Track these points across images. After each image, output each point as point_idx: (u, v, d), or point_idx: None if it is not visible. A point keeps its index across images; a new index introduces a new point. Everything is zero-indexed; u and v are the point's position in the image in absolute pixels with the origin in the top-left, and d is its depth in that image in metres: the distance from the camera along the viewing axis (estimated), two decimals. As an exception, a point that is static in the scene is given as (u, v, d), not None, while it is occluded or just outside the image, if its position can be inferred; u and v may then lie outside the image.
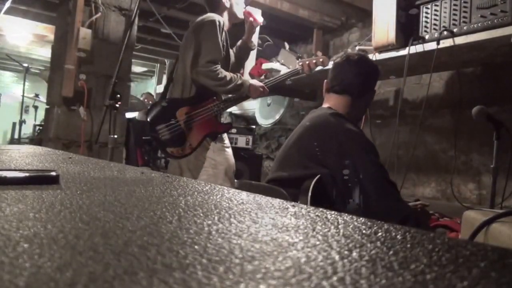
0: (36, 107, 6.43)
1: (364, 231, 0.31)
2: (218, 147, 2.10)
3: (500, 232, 0.78)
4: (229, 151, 2.17)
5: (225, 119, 4.69)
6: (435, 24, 2.22)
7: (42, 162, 0.79)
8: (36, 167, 0.69)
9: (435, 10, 2.21)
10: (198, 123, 2.05)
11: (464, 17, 2.08)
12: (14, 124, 6.70)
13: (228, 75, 2.02)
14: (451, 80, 2.92)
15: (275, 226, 0.32)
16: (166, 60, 6.39)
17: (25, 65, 5.49)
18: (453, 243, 0.28)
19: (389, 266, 0.23)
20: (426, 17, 2.25)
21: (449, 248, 0.26)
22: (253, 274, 0.21)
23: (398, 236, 0.29)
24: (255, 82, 2.16)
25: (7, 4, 3.73)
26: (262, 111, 4.38)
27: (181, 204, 0.41)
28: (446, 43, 2.15)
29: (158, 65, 7.03)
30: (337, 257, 0.24)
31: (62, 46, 2.91)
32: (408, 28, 2.33)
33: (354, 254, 0.25)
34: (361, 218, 0.36)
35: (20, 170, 0.61)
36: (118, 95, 2.16)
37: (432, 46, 2.20)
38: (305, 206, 0.42)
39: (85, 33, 2.80)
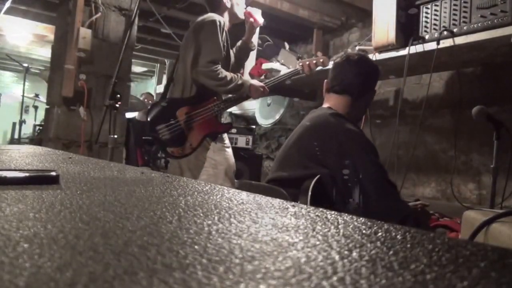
0: (36, 107, 6.43)
1: (364, 231, 0.31)
2: (218, 147, 2.10)
3: (500, 232, 0.78)
4: (229, 151, 2.17)
5: (225, 119, 4.69)
6: (435, 24, 2.22)
7: (42, 162, 0.79)
8: (36, 167, 0.69)
9: (435, 10, 2.21)
10: (198, 123, 2.05)
11: (464, 17, 2.08)
12: (14, 124, 6.70)
13: (229, 75, 2.03)
14: (451, 80, 2.92)
15: (275, 226, 0.32)
16: (166, 60, 6.39)
17: (25, 65, 5.49)
18: (453, 243, 0.28)
19: (389, 266, 0.23)
20: (426, 17, 2.26)
21: (449, 248, 0.26)
22: (253, 274, 0.21)
23: (398, 236, 0.29)
24: (255, 82, 2.16)
25: (7, 4, 3.73)
26: (262, 111, 4.38)
27: (181, 204, 0.41)
28: (446, 43, 2.15)
29: (158, 65, 7.03)
30: (337, 257, 0.24)
31: (62, 46, 2.91)
32: (408, 28, 2.33)
33: (354, 254, 0.25)
34: (361, 218, 0.36)
35: (20, 170, 0.61)
36: (118, 95, 2.16)
37: (432, 46, 2.20)
38: (305, 206, 0.42)
39: (85, 33, 2.80)
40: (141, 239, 0.27)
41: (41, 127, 4.83)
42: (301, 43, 4.45)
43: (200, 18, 2.09)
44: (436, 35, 2.19)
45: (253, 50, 2.42)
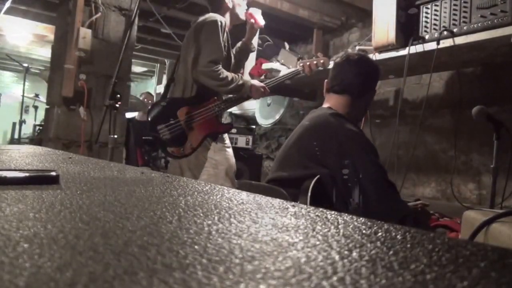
0: (36, 107, 6.43)
1: (364, 231, 0.31)
2: (219, 147, 2.10)
3: (500, 232, 0.78)
4: (230, 151, 2.17)
5: (225, 119, 4.69)
6: (435, 24, 2.22)
7: (42, 162, 0.79)
8: (36, 167, 0.69)
9: (435, 10, 2.21)
10: (199, 123, 2.05)
11: (464, 17, 2.08)
12: (14, 124, 6.70)
13: (230, 75, 2.03)
14: (451, 80, 2.92)
15: (275, 226, 0.32)
16: (166, 60, 6.39)
17: (25, 65, 5.49)
18: (453, 243, 0.28)
19: (389, 266, 0.23)
20: (426, 17, 2.25)
21: (449, 248, 0.26)
22: (253, 274, 0.21)
23: (398, 236, 0.29)
24: (256, 82, 2.16)
25: (7, 4, 3.73)
26: (262, 111, 4.38)
27: (181, 204, 0.41)
28: (446, 43, 2.15)
29: (158, 65, 7.04)
30: (337, 257, 0.24)
31: (62, 46, 2.91)
32: (408, 28, 2.33)
33: (354, 254, 0.25)
34: (361, 218, 0.36)
35: (20, 170, 0.61)
36: (118, 95, 2.16)
37: (432, 46, 2.20)
38: (305, 206, 0.42)
39: (85, 33, 2.80)
40: (141, 239, 0.27)
41: (41, 127, 4.83)
42: (301, 43, 4.45)
43: (201, 18, 2.09)
44: (436, 35, 2.19)
45: (253, 51, 2.43)
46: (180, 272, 0.20)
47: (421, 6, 2.28)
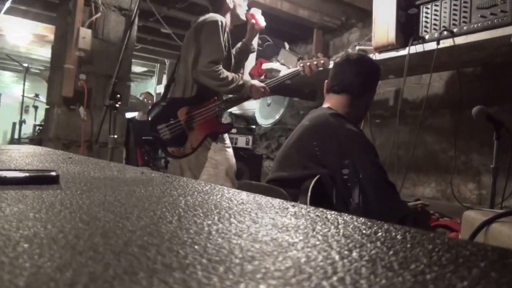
0: (36, 107, 6.43)
1: (364, 231, 0.31)
2: (219, 147, 2.10)
3: (500, 232, 0.78)
4: (230, 151, 2.17)
5: (225, 119, 4.69)
6: (435, 24, 2.21)
7: (42, 162, 0.79)
8: (36, 167, 0.69)
9: (435, 10, 2.21)
10: (199, 123, 2.05)
11: (464, 17, 2.08)
12: (14, 124, 6.70)
13: (230, 75, 2.03)
14: (451, 80, 2.92)
15: (275, 226, 0.32)
16: (166, 60, 6.39)
17: (25, 65, 5.49)
18: (453, 243, 0.28)
19: (389, 266, 0.23)
20: (426, 17, 2.25)
21: (449, 248, 0.26)
22: (253, 274, 0.21)
23: (398, 236, 0.29)
24: (256, 82, 2.16)
25: (7, 4, 3.74)
26: (262, 111, 4.38)
27: (181, 204, 0.41)
28: (446, 43, 2.15)
29: (158, 65, 7.04)
30: (337, 257, 0.24)
31: (62, 46, 2.91)
32: (408, 28, 2.33)
33: (354, 254, 0.25)
34: (361, 218, 0.36)
35: (20, 170, 0.61)
36: (118, 95, 2.17)
37: (432, 46, 2.20)
38: (305, 206, 0.42)
39: (85, 33, 2.80)
40: (141, 239, 0.27)
41: (41, 127, 4.83)
42: (301, 43, 4.45)
43: (201, 18, 2.09)
44: (436, 35, 2.19)
45: (253, 52, 2.43)
46: (180, 272, 0.20)
47: (421, 6, 2.28)
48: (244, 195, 0.48)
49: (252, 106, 4.43)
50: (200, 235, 0.28)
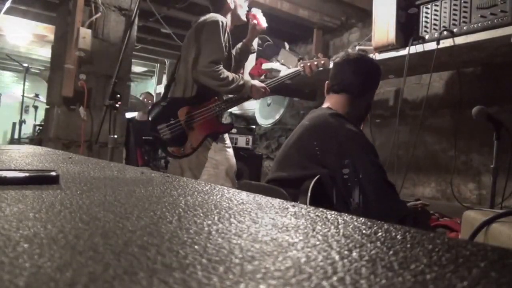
0: (36, 107, 6.43)
1: (364, 231, 0.31)
2: (220, 147, 2.10)
3: (500, 232, 0.78)
4: (230, 151, 2.17)
5: (225, 119, 4.69)
6: (435, 24, 2.21)
7: (42, 162, 0.79)
8: (36, 167, 0.69)
9: (435, 10, 2.21)
10: (199, 123, 2.05)
11: (464, 17, 2.08)
12: (14, 124, 6.70)
13: (230, 75, 2.03)
14: (451, 80, 2.92)
15: (275, 226, 0.32)
16: (166, 60, 6.39)
17: (25, 65, 5.49)
18: (453, 243, 0.28)
19: (389, 266, 0.23)
20: (426, 17, 2.25)
21: (449, 248, 0.26)
22: (253, 274, 0.21)
23: (398, 236, 0.29)
24: (257, 82, 2.16)
25: (7, 4, 3.73)
26: (262, 111, 4.38)
27: (181, 204, 0.41)
28: (446, 43, 2.15)
29: (158, 65, 7.04)
30: (337, 257, 0.24)
31: (62, 46, 2.91)
32: (408, 28, 2.33)
33: (354, 254, 0.25)
34: (361, 218, 0.36)
35: (20, 170, 0.61)
36: (118, 95, 2.17)
37: (432, 46, 2.20)
38: (305, 206, 0.42)
39: (85, 33, 2.80)
40: (141, 239, 0.27)
41: (41, 127, 4.83)
42: (301, 43, 4.45)
43: (202, 18, 2.09)
44: (436, 35, 2.19)
45: (253, 53, 2.43)
46: (180, 272, 0.20)
47: (421, 6, 2.28)
48: (244, 195, 0.48)
49: (252, 106, 4.43)
50: (200, 235, 0.28)
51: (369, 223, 0.34)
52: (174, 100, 2.13)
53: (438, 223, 1.70)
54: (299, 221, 0.35)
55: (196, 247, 0.25)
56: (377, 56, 2.44)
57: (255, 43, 3.10)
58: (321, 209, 0.40)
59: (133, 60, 3.71)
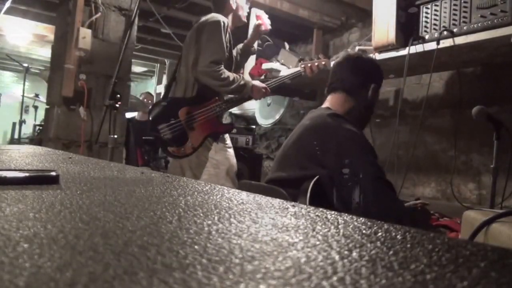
0: (36, 107, 6.43)
1: (364, 231, 0.31)
2: (220, 147, 2.10)
3: (500, 232, 0.78)
4: (231, 151, 2.17)
5: (225, 119, 4.69)
6: (435, 24, 2.21)
7: (42, 162, 0.79)
8: (36, 167, 0.69)
9: (435, 10, 2.21)
10: (200, 123, 2.05)
11: (464, 17, 2.08)
12: (14, 124, 6.70)
13: (231, 75, 2.03)
14: (451, 80, 2.92)
15: (275, 226, 0.32)
16: (166, 60, 6.39)
17: (25, 65, 5.49)
18: (453, 243, 0.28)
19: (389, 266, 0.23)
20: (426, 17, 2.25)
21: (449, 248, 0.26)
22: (253, 274, 0.21)
23: (398, 236, 0.29)
24: (257, 83, 2.16)
25: (7, 4, 3.74)
26: (262, 111, 4.38)
27: (181, 204, 0.41)
28: (446, 43, 2.15)
29: (158, 65, 7.04)
30: (337, 257, 0.24)
31: (62, 46, 2.91)
32: (408, 28, 2.33)
33: (354, 254, 0.25)
34: (361, 218, 0.36)
35: (20, 170, 0.61)
36: (118, 95, 2.17)
37: (432, 46, 2.19)
38: (305, 206, 0.42)
39: (85, 33, 2.80)
40: (141, 239, 0.27)
41: (41, 127, 4.83)
42: (301, 43, 4.45)
43: (204, 18, 2.09)
44: (436, 35, 2.19)
45: (253, 53, 2.43)
46: (180, 272, 0.20)
47: (421, 6, 2.28)
48: (244, 195, 0.48)
49: (252, 106, 4.43)
50: (200, 235, 0.28)
51: (369, 223, 0.34)
52: (174, 100, 2.13)
53: (438, 223, 1.70)
54: (299, 221, 0.35)
55: (196, 247, 0.25)
56: (377, 56, 2.44)
57: (255, 43, 3.10)
58: (321, 209, 0.40)
59: (133, 60, 3.71)
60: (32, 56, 7.23)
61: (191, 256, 0.23)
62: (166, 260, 0.22)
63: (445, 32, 2.14)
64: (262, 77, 3.12)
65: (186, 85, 2.09)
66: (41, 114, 5.01)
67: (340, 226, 0.33)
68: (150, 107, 2.20)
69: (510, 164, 1.78)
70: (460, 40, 2.09)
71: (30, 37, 4.99)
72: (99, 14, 2.90)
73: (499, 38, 1.95)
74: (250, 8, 2.29)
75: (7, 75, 9.91)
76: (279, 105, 4.18)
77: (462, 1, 2.08)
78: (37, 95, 5.90)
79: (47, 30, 4.66)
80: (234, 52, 2.27)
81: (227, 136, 2.19)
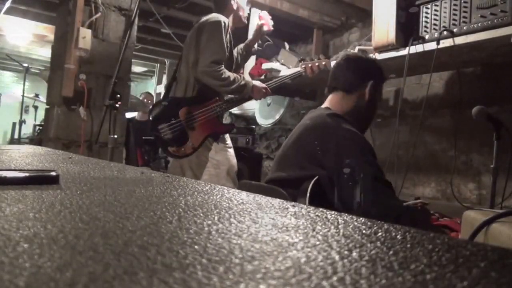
0: (36, 107, 6.42)
1: (364, 231, 0.31)
2: (220, 147, 2.10)
3: (500, 232, 0.78)
4: (231, 151, 2.17)
5: (225, 119, 4.69)
6: (435, 24, 2.21)
7: (42, 162, 0.79)
8: (36, 167, 0.69)
9: (435, 10, 2.21)
10: (200, 123, 2.05)
11: (464, 17, 2.08)
12: (14, 124, 6.69)
13: (232, 75, 2.03)
14: (451, 80, 2.92)
15: (275, 226, 0.32)
16: (166, 60, 6.39)
17: (25, 65, 5.49)
18: (453, 243, 0.28)
19: (389, 266, 0.23)
20: (426, 17, 2.25)
21: (449, 248, 0.26)
22: (253, 274, 0.21)
23: (398, 236, 0.29)
24: (258, 83, 2.16)
25: (7, 4, 3.74)
26: (262, 111, 4.38)
27: (181, 204, 0.41)
28: (446, 43, 2.14)
29: (158, 65, 7.04)
30: (337, 257, 0.24)
31: (62, 46, 2.91)
32: (408, 28, 2.33)
33: (354, 254, 0.25)
34: (361, 218, 0.36)
35: (20, 170, 0.61)
36: (118, 95, 2.17)
37: (432, 46, 2.19)
38: (305, 206, 0.42)
39: (85, 33, 2.80)
40: (141, 239, 0.27)
41: (41, 127, 4.83)
42: (301, 43, 4.45)
43: (204, 18, 2.09)
44: (436, 35, 2.19)
45: (253, 54, 2.43)
46: (180, 272, 0.20)
47: (421, 6, 2.28)
48: (244, 195, 0.48)
49: (252, 106, 4.43)
50: (200, 235, 0.28)
51: (369, 223, 0.34)
52: (175, 100, 2.13)
53: (438, 223, 1.70)
54: (299, 221, 0.35)
55: (196, 247, 0.25)
56: (377, 56, 2.44)
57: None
58: (321, 209, 0.40)
59: (133, 60, 3.70)
60: (32, 56, 7.23)
61: (191, 256, 0.23)
62: (166, 260, 0.22)
63: (445, 32, 2.14)
64: (262, 77, 3.12)
65: (186, 85, 2.09)
66: (41, 114, 5.01)
67: (340, 226, 0.33)
68: (151, 107, 2.20)
69: (510, 164, 1.78)
70: (460, 40, 2.09)
71: (30, 37, 4.99)
72: (99, 14, 2.90)
73: (499, 38, 1.95)
74: (250, 9, 2.29)
75: (7, 75, 9.91)
76: (279, 105, 4.18)
77: (462, 1, 2.08)
78: (37, 95, 5.90)
79: (47, 30, 4.66)
80: (235, 52, 2.27)
81: (227, 136, 2.19)
